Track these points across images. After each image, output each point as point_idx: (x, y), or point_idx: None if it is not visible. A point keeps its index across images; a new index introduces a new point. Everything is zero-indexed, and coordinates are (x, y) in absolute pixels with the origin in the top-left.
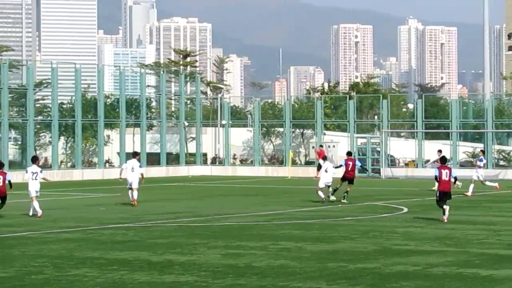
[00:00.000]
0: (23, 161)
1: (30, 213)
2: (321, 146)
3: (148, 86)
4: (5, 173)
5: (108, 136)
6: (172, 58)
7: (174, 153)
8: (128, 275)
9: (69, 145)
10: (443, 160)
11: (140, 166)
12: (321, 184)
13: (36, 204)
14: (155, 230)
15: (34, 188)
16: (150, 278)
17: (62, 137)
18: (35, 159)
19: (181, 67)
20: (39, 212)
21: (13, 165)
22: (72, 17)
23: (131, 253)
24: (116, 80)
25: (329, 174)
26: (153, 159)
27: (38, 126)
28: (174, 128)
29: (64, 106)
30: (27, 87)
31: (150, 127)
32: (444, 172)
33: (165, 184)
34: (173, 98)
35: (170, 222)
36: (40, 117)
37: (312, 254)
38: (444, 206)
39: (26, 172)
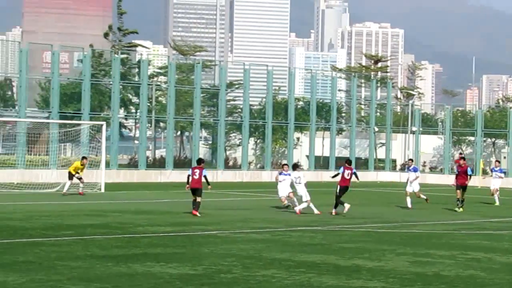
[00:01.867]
0: (212, 160)
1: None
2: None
3: (339, 90)
4: (202, 168)
5: (298, 139)
6: (363, 63)
7: (363, 158)
8: (315, 278)
9: (258, 146)
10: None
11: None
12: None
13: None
14: (343, 234)
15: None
16: (338, 282)
17: (251, 138)
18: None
19: (372, 72)
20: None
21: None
22: (264, 19)
23: (318, 256)
24: (306, 83)
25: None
26: (342, 164)
27: (229, 127)
28: (363, 133)
29: (255, 107)
30: (219, 87)
31: (339, 131)
32: None
33: (353, 189)
34: (363, 103)
35: (358, 227)
36: (230, 118)
37: (502, 266)
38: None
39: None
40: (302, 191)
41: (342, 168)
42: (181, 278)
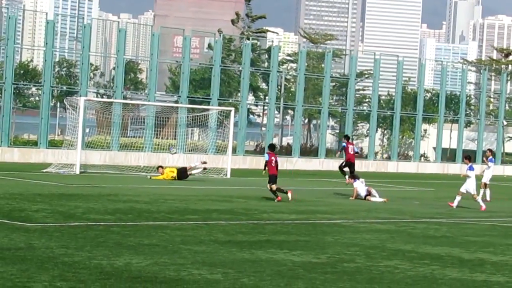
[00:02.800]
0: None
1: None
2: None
3: (469, 82)
4: (276, 155)
5: (425, 130)
6: (494, 57)
7: None
8: (439, 270)
9: (385, 137)
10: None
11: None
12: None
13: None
14: (468, 227)
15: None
16: (461, 275)
17: (379, 129)
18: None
19: (503, 65)
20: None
21: (330, 153)
22: (396, 9)
23: (443, 249)
24: (436, 75)
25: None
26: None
27: (356, 116)
28: (491, 127)
29: (383, 97)
30: (349, 76)
31: (467, 124)
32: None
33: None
34: (492, 96)
35: (484, 221)
36: (359, 107)
37: None
38: None
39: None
40: None
41: (345, 144)
42: (304, 266)
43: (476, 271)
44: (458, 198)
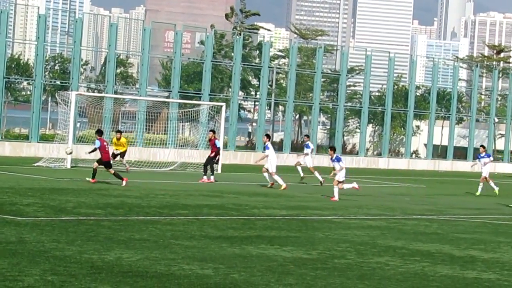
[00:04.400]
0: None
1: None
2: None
3: (460, 79)
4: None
5: (418, 127)
6: (486, 53)
7: None
8: (429, 267)
9: (376, 133)
10: None
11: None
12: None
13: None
14: (458, 224)
15: None
16: (452, 272)
17: (370, 125)
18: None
19: (494, 62)
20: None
21: (320, 149)
22: (388, 5)
23: (433, 246)
24: (427, 71)
25: None
26: (459, 153)
27: (348, 112)
28: (483, 124)
29: (374, 94)
30: (340, 72)
31: (459, 121)
32: None
33: (470, 179)
34: (484, 93)
35: (474, 218)
36: (350, 103)
37: None
38: None
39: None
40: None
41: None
42: (295, 261)
43: (467, 268)
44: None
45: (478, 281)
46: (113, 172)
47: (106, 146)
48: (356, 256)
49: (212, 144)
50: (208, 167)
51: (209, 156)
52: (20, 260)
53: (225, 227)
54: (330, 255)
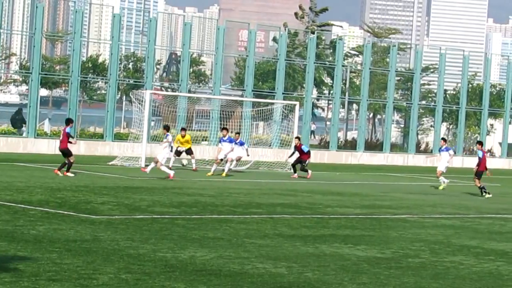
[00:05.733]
0: (404, 144)
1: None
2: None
3: None
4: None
5: (492, 125)
6: None
7: None
8: (504, 266)
9: (451, 131)
10: None
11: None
12: None
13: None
14: None
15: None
16: None
17: (444, 123)
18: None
19: None
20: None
21: (394, 148)
22: (462, 3)
23: (508, 245)
24: (502, 69)
25: None
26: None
27: (422, 111)
28: None
29: (449, 92)
30: (414, 71)
31: None
32: None
33: None
34: None
35: None
36: (424, 102)
37: None
38: None
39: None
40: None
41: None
42: (369, 260)
43: None
44: None
45: None
46: (72, 161)
47: (68, 137)
48: (430, 255)
49: (299, 150)
50: (296, 166)
51: (301, 159)
52: (95, 258)
53: (298, 225)
54: (404, 254)
